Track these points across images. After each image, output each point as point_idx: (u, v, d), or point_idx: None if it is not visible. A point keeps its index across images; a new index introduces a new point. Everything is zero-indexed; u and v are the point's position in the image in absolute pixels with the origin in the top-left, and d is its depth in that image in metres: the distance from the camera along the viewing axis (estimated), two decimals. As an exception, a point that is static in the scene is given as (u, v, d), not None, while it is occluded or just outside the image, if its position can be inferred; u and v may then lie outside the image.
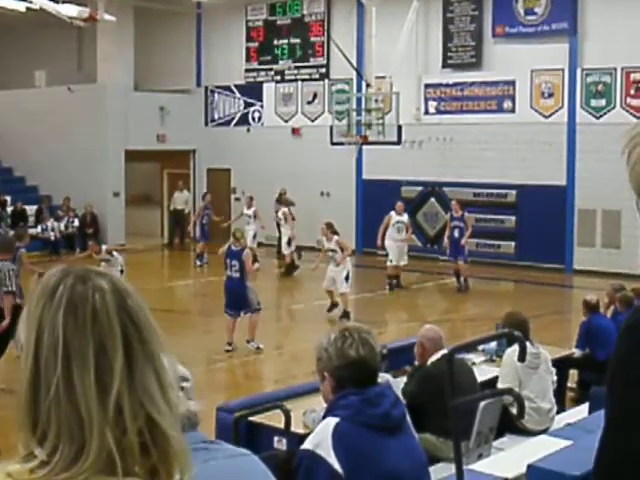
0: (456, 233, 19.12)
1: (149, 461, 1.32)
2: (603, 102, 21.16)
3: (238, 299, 13.66)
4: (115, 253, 16.57)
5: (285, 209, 22.13)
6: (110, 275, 1.40)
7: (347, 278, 16.03)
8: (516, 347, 7.29)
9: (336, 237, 16.20)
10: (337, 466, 3.25)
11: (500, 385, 7.68)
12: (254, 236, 22.20)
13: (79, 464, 1.28)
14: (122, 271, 16.40)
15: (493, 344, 8.89)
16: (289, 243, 21.50)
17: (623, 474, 1.63)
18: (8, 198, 25.92)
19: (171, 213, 27.33)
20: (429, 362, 6.99)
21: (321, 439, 3.32)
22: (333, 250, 16.16)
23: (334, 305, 16.12)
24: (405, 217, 19.43)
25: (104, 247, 16.76)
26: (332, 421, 3.35)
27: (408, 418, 3.59)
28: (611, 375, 1.71)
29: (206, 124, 28.39)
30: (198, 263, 22.91)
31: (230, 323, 13.79)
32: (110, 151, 26.32)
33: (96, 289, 1.35)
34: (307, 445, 3.37)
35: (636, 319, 1.72)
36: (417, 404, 6.37)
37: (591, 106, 21.35)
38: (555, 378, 8.19)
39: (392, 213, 19.23)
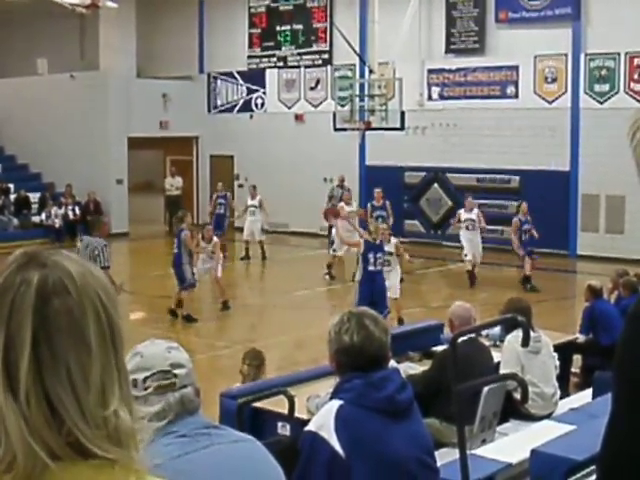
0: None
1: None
2: (607, 87, 21.10)
3: (383, 295, 13.35)
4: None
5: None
6: (62, 268, 1.31)
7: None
8: (517, 333, 7.30)
9: (394, 240, 14.59)
10: (338, 448, 3.28)
11: (502, 371, 7.68)
12: (262, 228, 21.21)
13: None
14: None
15: (497, 329, 8.88)
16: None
17: (630, 457, 1.63)
18: (11, 186, 25.93)
19: (165, 199, 27.20)
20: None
21: (324, 421, 3.36)
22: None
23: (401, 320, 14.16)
24: (474, 214, 18.60)
25: (215, 240, 15.76)
26: (335, 403, 3.39)
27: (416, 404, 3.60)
28: (618, 359, 1.71)
29: (209, 111, 28.35)
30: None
31: None
32: (113, 138, 26.29)
33: (23, 282, 1.28)
34: (310, 426, 3.42)
35: None
36: (436, 389, 6.43)
37: (595, 91, 21.29)
38: (557, 363, 8.19)
39: (461, 211, 18.76)
